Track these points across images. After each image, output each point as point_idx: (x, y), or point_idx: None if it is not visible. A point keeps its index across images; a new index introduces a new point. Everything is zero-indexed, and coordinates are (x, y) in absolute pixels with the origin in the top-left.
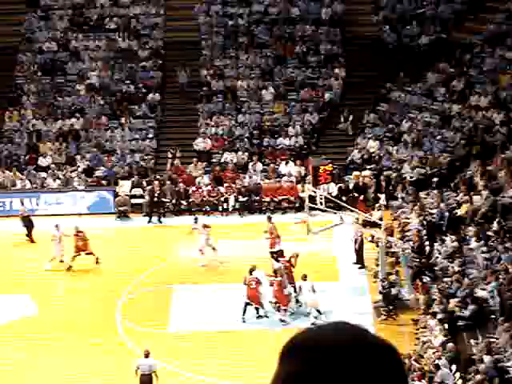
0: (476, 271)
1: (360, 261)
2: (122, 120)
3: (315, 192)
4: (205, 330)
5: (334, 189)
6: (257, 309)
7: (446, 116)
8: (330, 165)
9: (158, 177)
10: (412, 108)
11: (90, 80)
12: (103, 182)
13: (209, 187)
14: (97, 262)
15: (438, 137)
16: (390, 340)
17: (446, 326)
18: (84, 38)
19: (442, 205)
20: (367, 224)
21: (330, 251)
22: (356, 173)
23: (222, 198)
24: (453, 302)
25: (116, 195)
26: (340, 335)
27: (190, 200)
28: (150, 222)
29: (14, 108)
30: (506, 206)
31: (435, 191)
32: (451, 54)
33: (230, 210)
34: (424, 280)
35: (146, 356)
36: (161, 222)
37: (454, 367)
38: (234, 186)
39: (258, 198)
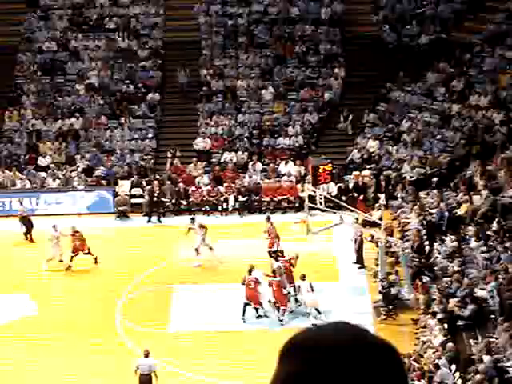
0: (476, 271)
1: (360, 261)
2: (122, 120)
3: (315, 192)
4: (205, 329)
5: (333, 188)
6: (256, 309)
7: (445, 116)
8: (330, 164)
9: (157, 176)
10: (412, 108)
11: (89, 80)
12: (103, 181)
13: (208, 187)
14: (95, 262)
15: (438, 136)
16: (389, 340)
17: (446, 325)
18: (84, 38)
19: (441, 204)
20: (367, 224)
21: (329, 251)
22: (356, 172)
23: (222, 198)
24: (452, 301)
25: (116, 195)
26: (340, 335)
27: (190, 200)
28: (149, 221)
29: (14, 108)
30: (505, 205)
31: (435, 191)
32: (451, 54)
33: (230, 209)
34: (424, 280)
35: (146, 356)
36: (160, 222)
37: (453, 367)
38: (233, 185)
39: (257, 197)
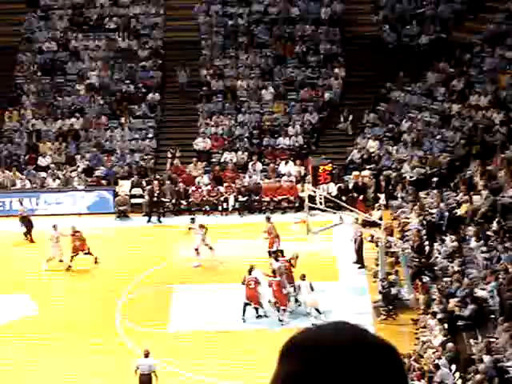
0: (476, 271)
1: (360, 261)
2: (122, 120)
3: (315, 192)
4: (205, 329)
5: (333, 189)
6: (256, 309)
7: (445, 116)
8: (330, 164)
9: (157, 176)
10: (412, 108)
11: (89, 80)
12: (103, 181)
13: (208, 187)
14: (95, 262)
15: (438, 136)
16: (389, 340)
17: (446, 325)
18: (84, 38)
19: (441, 204)
20: (367, 224)
21: (329, 251)
22: (356, 173)
23: (222, 198)
24: (452, 301)
25: (116, 195)
26: (340, 335)
27: (190, 200)
28: (149, 221)
29: (14, 108)
30: (505, 205)
31: (435, 191)
32: (451, 54)
33: (230, 209)
34: (424, 280)
35: (146, 356)
36: (160, 222)
37: (453, 367)
38: (233, 185)
39: (257, 197)
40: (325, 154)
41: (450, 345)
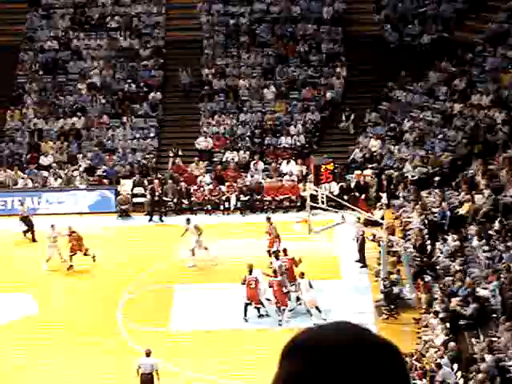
0: (478, 270)
1: (361, 260)
2: (124, 119)
3: (317, 191)
4: (205, 329)
5: (335, 188)
6: (257, 308)
7: (447, 115)
8: (332, 164)
9: (159, 176)
10: (414, 107)
11: (91, 79)
12: (105, 180)
13: (210, 186)
14: (94, 260)
15: (440, 136)
16: (391, 339)
17: (448, 324)
18: (85, 37)
19: (443, 204)
20: (369, 223)
21: (331, 250)
22: (357, 172)
23: (224, 197)
24: (454, 300)
25: (117, 194)
26: (341, 335)
27: (192, 199)
28: (151, 220)
29: (16, 107)
30: (507, 205)
31: (437, 190)
32: (453, 53)
33: (232, 209)
34: (426, 279)
35: (148, 355)
36: (162, 221)
37: (455, 366)
38: (235, 185)
39: (259, 197)
40: (327, 153)
41: (451, 344)
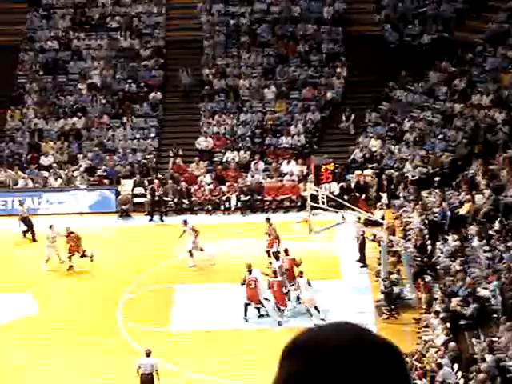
0: (478, 270)
1: (362, 260)
2: (124, 119)
3: (317, 191)
4: (205, 329)
5: (335, 188)
6: (258, 309)
7: (447, 115)
8: (332, 164)
9: (159, 176)
10: (414, 107)
11: (91, 79)
12: (105, 181)
13: (211, 186)
14: (91, 260)
15: (440, 136)
16: (391, 339)
17: (448, 324)
18: (86, 37)
19: (443, 204)
20: (369, 223)
21: (331, 250)
22: (358, 172)
23: (224, 197)
24: (455, 300)
25: (118, 194)
26: (341, 335)
27: (192, 199)
28: (151, 220)
29: (16, 107)
30: (508, 205)
31: (437, 190)
32: (453, 53)
33: (232, 209)
34: (426, 279)
35: (148, 355)
36: (163, 221)
37: (455, 366)
38: (236, 185)
39: (259, 197)
40: (327, 153)
41: (452, 344)
